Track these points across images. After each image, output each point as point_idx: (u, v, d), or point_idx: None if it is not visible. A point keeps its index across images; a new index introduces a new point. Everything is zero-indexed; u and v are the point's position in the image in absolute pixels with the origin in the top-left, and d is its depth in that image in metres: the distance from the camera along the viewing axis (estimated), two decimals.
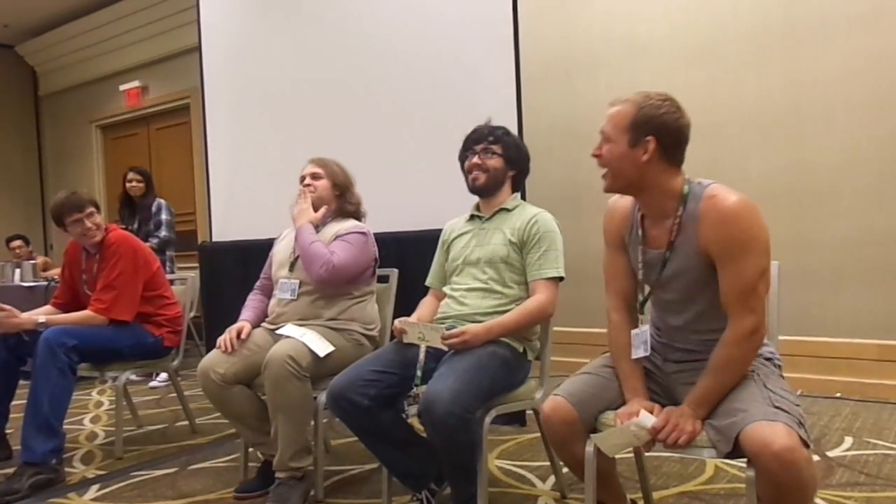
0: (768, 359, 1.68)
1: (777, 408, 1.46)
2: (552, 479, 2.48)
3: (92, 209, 3.02)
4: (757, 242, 1.54)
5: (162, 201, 4.89)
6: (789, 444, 1.37)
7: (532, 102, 3.89)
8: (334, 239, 2.54)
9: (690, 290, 1.64)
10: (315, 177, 2.64)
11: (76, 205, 2.99)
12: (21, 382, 3.01)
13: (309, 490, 2.39)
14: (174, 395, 3.81)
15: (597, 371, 1.80)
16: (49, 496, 2.55)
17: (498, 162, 2.26)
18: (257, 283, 2.78)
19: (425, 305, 2.36)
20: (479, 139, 2.29)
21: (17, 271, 5.53)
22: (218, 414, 2.69)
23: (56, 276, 5.15)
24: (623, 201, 1.79)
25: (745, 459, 1.47)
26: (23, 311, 3.01)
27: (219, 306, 4.40)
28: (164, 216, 4.84)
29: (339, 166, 2.69)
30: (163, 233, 4.79)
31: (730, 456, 1.50)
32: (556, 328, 2.29)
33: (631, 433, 1.56)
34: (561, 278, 2.17)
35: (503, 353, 2.07)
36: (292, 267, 2.59)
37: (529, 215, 2.23)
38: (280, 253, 2.70)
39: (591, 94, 4.46)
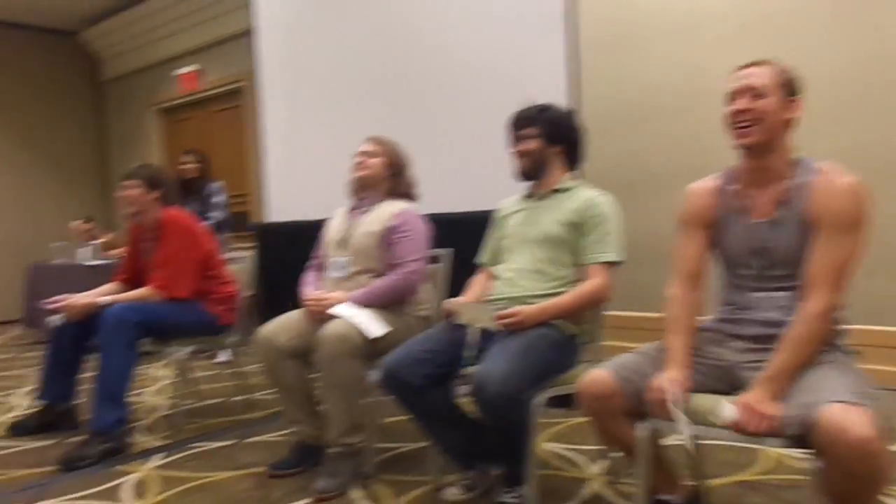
0: (847, 353, 1.64)
1: (856, 394, 1.41)
2: (603, 463, 2.47)
3: (137, 183, 3.11)
4: (864, 223, 1.57)
5: (216, 184, 4.95)
6: (867, 434, 1.31)
7: (586, 82, 3.82)
8: (384, 231, 2.55)
9: (793, 260, 1.64)
10: (369, 154, 2.65)
11: (127, 175, 3.14)
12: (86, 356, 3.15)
13: (360, 466, 2.44)
14: (231, 371, 3.93)
15: (648, 351, 1.78)
16: (115, 463, 2.67)
17: (535, 143, 2.23)
18: (310, 263, 2.82)
19: (476, 285, 2.36)
20: (514, 127, 2.27)
21: (83, 251, 5.75)
22: (272, 390, 2.76)
23: (119, 256, 5.33)
24: (705, 183, 1.81)
25: (809, 450, 1.42)
26: (87, 289, 3.15)
27: (274, 286, 4.49)
28: (216, 199, 4.91)
29: (395, 146, 2.70)
30: (216, 214, 4.86)
31: (797, 445, 1.46)
32: (609, 312, 2.27)
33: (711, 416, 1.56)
34: (619, 262, 2.14)
35: (555, 336, 2.06)
36: (343, 246, 2.62)
37: (586, 197, 2.20)
38: (331, 232, 2.73)
39: (648, 73, 4.34)
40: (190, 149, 5.04)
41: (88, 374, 2.98)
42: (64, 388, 3.13)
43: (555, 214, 2.20)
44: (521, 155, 2.24)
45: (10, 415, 3.52)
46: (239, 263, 3.58)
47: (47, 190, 8.23)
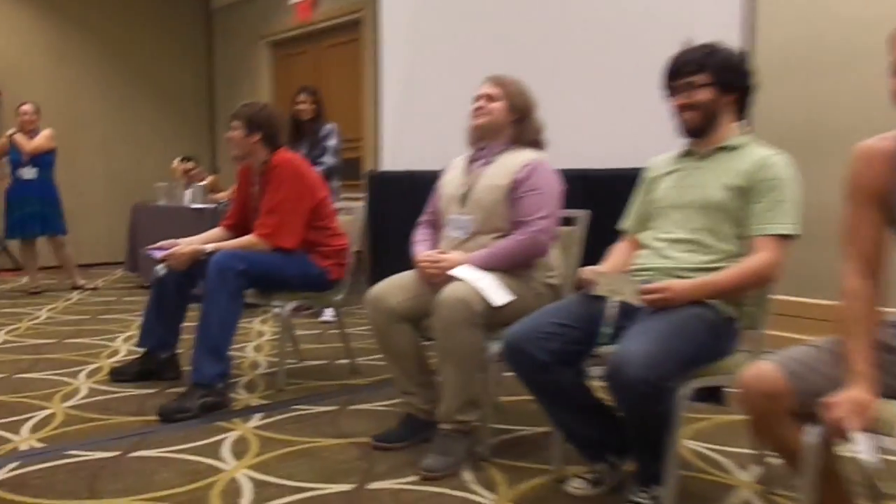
0: None
1: None
2: (755, 469, 2.39)
3: (238, 124, 3.26)
4: None
5: (332, 126, 5.08)
6: None
7: (762, 20, 3.61)
8: (510, 185, 2.53)
9: None
10: (490, 98, 2.63)
11: (233, 114, 3.31)
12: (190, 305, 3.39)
13: (473, 446, 2.49)
14: (335, 331, 4.09)
15: (823, 346, 1.69)
16: (215, 419, 2.87)
17: (707, 93, 2.11)
18: (422, 219, 2.86)
19: (618, 254, 2.32)
20: (677, 74, 2.15)
21: (188, 193, 6.12)
22: (379, 356, 2.85)
23: (225, 199, 5.65)
24: (882, 144, 1.65)
25: None
26: (191, 234, 3.38)
27: (385, 240, 4.62)
28: (330, 142, 5.04)
29: (519, 87, 2.66)
30: (328, 159, 5.00)
31: None
32: (775, 296, 2.17)
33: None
34: (794, 236, 2.04)
35: (710, 317, 2.00)
36: (463, 202, 2.63)
37: (759, 156, 2.09)
38: (448, 186, 2.74)
39: (845, 10, 4.05)
40: (305, 86, 5.19)
41: (192, 323, 3.20)
42: (165, 336, 3.38)
43: (719, 176, 2.11)
44: (689, 107, 2.13)
45: (112, 360, 3.84)
46: (349, 215, 3.69)
47: (153, 124, 8.78)
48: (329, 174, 4.99)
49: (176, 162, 7.17)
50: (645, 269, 2.16)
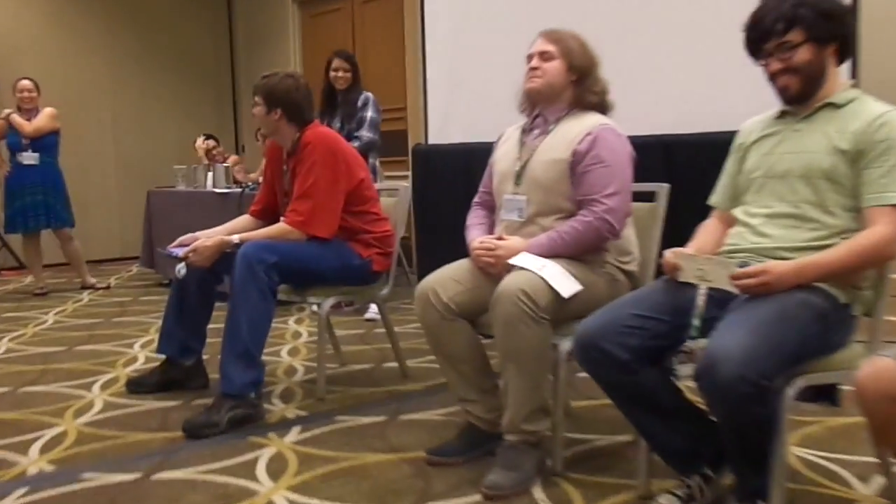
0: None
1: None
2: (878, 480, 2.37)
3: (258, 99, 3.32)
4: None
5: (369, 95, 5.13)
6: None
7: None
8: (572, 157, 2.53)
9: None
10: (545, 56, 2.63)
11: (253, 88, 3.37)
12: (217, 304, 3.46)
13: (544, 459, 2.52)
14: (380, 331, 4.14)
15: None
16: (248, 433, 2.94)
17: (805, 53, 2.09)
18: (476, 199, 2.89)
19: (708, 233, 2.32)
20: (766, 35, 2.12)
21: (210, 175, 6.24)
22: (432, 358, 2.89)
23: (251, 182, 5.76)
24: None
25: None
26: (216, 221, 3.45)
27: (435, 224, 4.65)
28: (368, 113, 5.09)
29: (578, 42, 2.65)
30: (365, 133, 5.05)
31: None
32: (895, 277, 2.14)
33: None
34: None
35: (818, 304, 1.98)
36: (518, 179, 2.64)
37: (873, 114, 2.05)
38: (502, 161, 2.76)
39: None
40: (339, 51, 5.25)
41: (218, 325, 3.27)
42: (188, 341, 3.46)
43: (825, 139, 2.09)
44: (790, 70, 2.11)
45: (129, 368, 3.97)
46: (393, 196, 3.72)
47: (168, 97, 8.95)
48: (367, 150, 5.03)
49: (200, 140, 7.30)
50: (739, 250, 2.15)
